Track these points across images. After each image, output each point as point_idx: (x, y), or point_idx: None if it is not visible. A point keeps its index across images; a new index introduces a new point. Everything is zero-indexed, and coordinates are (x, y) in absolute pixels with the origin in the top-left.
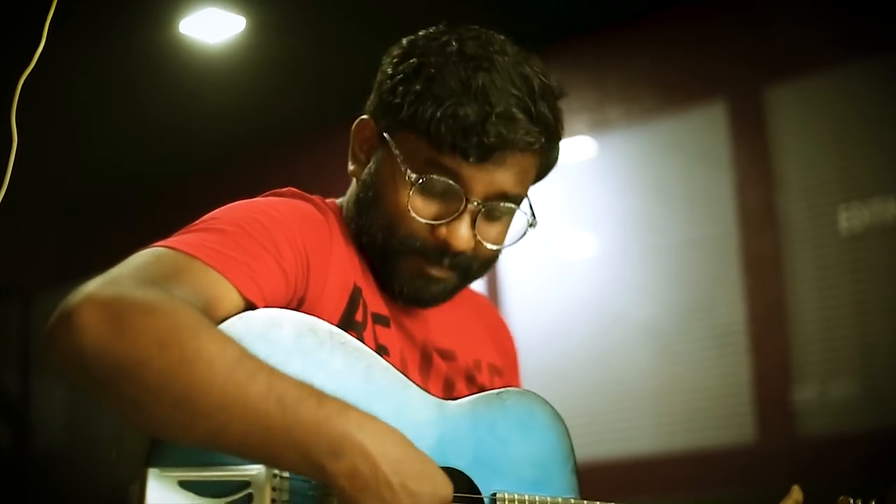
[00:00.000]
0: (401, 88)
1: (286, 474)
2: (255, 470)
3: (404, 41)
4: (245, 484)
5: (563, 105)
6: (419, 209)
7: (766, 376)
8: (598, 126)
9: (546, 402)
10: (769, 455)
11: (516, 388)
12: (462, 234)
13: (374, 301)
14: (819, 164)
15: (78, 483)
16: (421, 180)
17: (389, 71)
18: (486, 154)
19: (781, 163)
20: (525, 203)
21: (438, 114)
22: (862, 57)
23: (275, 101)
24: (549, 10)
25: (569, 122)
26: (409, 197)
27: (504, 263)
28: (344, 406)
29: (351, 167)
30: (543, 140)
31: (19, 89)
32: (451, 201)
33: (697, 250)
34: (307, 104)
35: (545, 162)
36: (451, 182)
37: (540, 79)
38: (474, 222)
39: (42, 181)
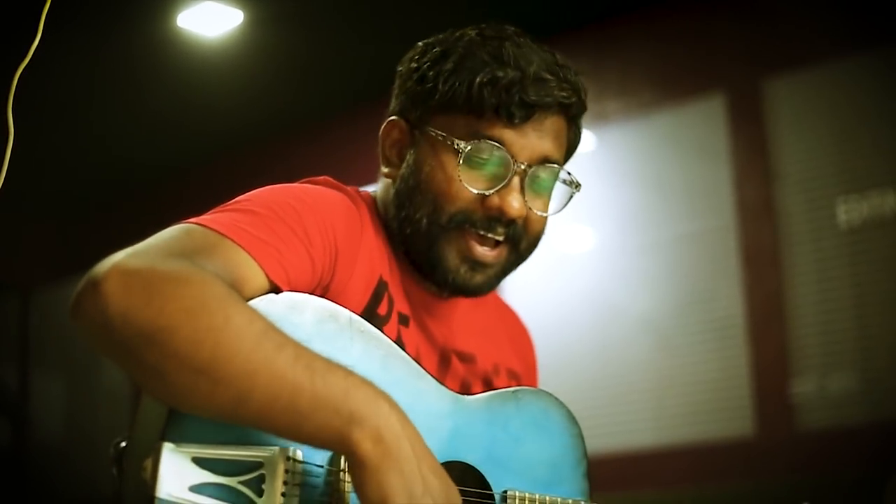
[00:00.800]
0: (431, 73)
1: (300, 457)
2: (269, 451)
3: (420, 43)
4: (258, 464)
5: None
6: (470, 181)
7: (764, 369)
8: (596, 119)
9: (562, 404)
10: (768, 448)
11: (533, 388)
12: (514, 199)
13: (398, 299)
14: (817, 157)
15: (76, 478)
16: (470, 147)
17: (413, 65)
18: (529, 114)
19: (780, 156)
20: (564, 171)
21: (477, 80)
22: (860, 50)
23: (272, 95)
24: (548, 3)
25: None
26: (458, 170)
27: None
28: (368, 382)
29: (385, 170)
30: (576, 100)
31: (16, 82)
32: (498, 170)
33: (696, 243)
34: (305, 97)
35: (575, 131)
36: (498, 146)
37: (557, 55)
38: (523, 190)
39: (40, 175)
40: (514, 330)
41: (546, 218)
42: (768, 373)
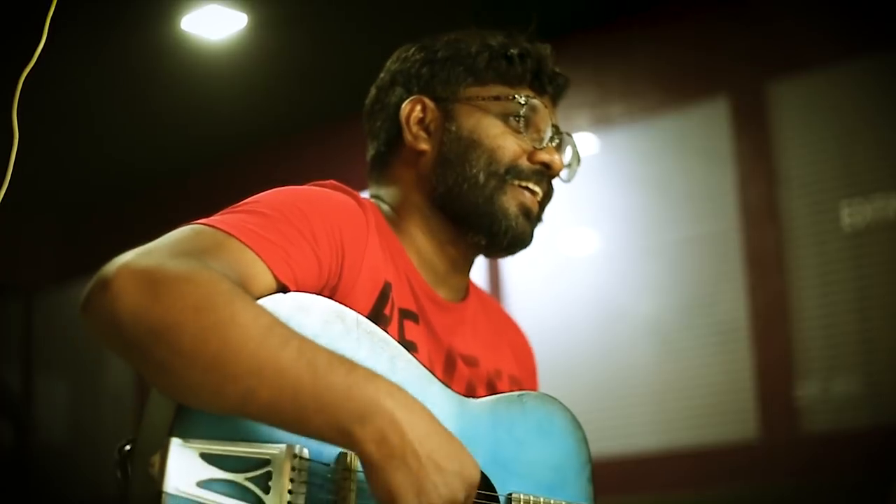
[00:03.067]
0: (455, 51)
1: (306, 455)
2: (277, 449)
3: (404, 47)
4: (265, 462)
5: (564, 101)
6: (521, 138)
7: (768, 372)
8: (599, 122)
9: (566, 409)
10: (771, 451)
11: (538, 393)
12: (556, 153)
13: (405, 297)
14: (821, 160)
15: (79, 480)
16: (525, 103)
17: (427, 51)
18: (555, 88)
19: (783, 159)
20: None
21: (510, 53)
22: (864, 53)
23: (277, 98)
24: (551, 6)
25: (570, 118)
26: (509, 126)
27: (506, 260)
28: (374, 375)
29: (421, 146)
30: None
31: (20, 86)
32: (541, 129)
33: (699, 247)
34: (308, 101)
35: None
36: (543, 104)
37: None
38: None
39: (44, 178)
40: (515, 339)
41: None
42: (772, 376)
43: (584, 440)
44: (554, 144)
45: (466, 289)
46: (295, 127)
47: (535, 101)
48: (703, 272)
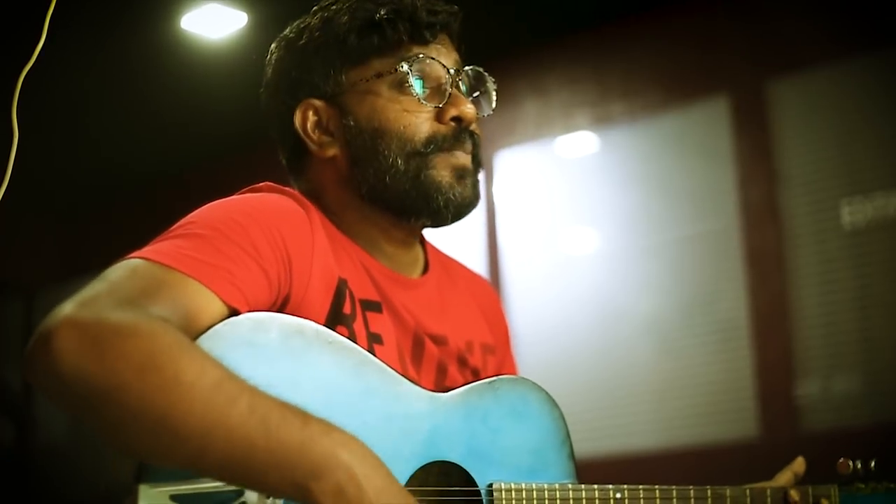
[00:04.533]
0: (325, 41)
1: None
2: None
3: (275, 43)
4: (238, 493)
5: (565, 100)
6: (420, 105)
7: (768, 371)
8: (600, 121)
9: (540, 388)
10: (772, 450)
11: (509, 376)
12: (464, 102)
13: (364, 288)
14: (822, 158)
15: (80, 479)
16: (409, 65)
17: (295, 50)
18: (434, 32)
19: (784, 158)
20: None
21: (379, 18)
22: (864, 52)
23: None
24: (551, 5)
25: (571, 117)
26: (404, 99)
27: (506, 258)
28: (328, 426)
29: (328, 152)
30: (457, 16)
31: (20, 85)
32: (438, 83)
33: (699, 245)
34: None
35: (461, 51)
36: (430, 57)
37: None
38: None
39: (43, 177)
40: (483, 300)
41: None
42: (772, 375)
43: (561, 418)
44: (462, 90)
45: (425, 260)
46: None
47: (420, 59)
48: (703, 271)
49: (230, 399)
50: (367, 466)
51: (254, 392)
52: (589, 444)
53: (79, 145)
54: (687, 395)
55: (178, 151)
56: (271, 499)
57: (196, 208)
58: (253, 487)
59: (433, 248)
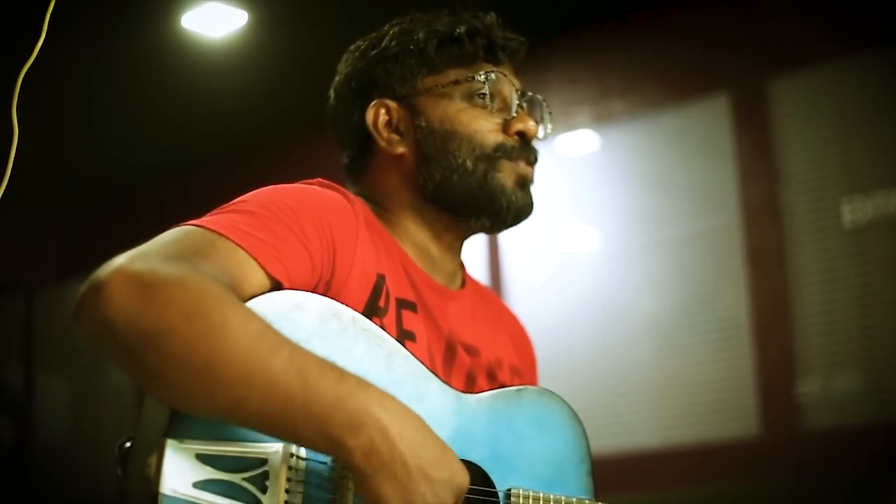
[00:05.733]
0: (404, 46)
1: (303, 454)
2: (273, 448)
3: (354, 45)
4: (262, 461)
5: (565, 98)
6: (492, 114)
7: (769, 369)
8: (600, 119)
9: (565, 403)
10: (773, 448)
11: (536, 387)
12: (529, 119)
13: (402, 287)
14: (822, 156)
15: (80, 478)
16: (486, 79)
17: (375, 50)
18: (508, 54)
19: (784, 156)
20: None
21: (458, 33)
22: (865, 50)
23: (277, 95)
24: (551, 2)
25: (571, 115)
26: (477, 107)
27: (507, 257)
28: (365, 383)
29: (397, 150)
30: (524, 46)
31: (20, 83)
32: (507, 99)
33: (700, 243)
34: (309, 98)
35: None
36: (502, 72)
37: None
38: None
39: (44, 175)
40: (514, 329)
41: None
42: (773, 373)
43: (584, 434)
44: (525, 109)
45: (463, 276)
46: (296, 124)
47: (494, 74)
48: (703, 269)
49: (272, 347)
50: (402, 423)
51: (294, 345)
52: (590, 442)
53: (79, 144)
54: (688, 393)
55: (178, 150)
56: (296, 457)
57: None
58: (287, 437)
59: (471, 275)
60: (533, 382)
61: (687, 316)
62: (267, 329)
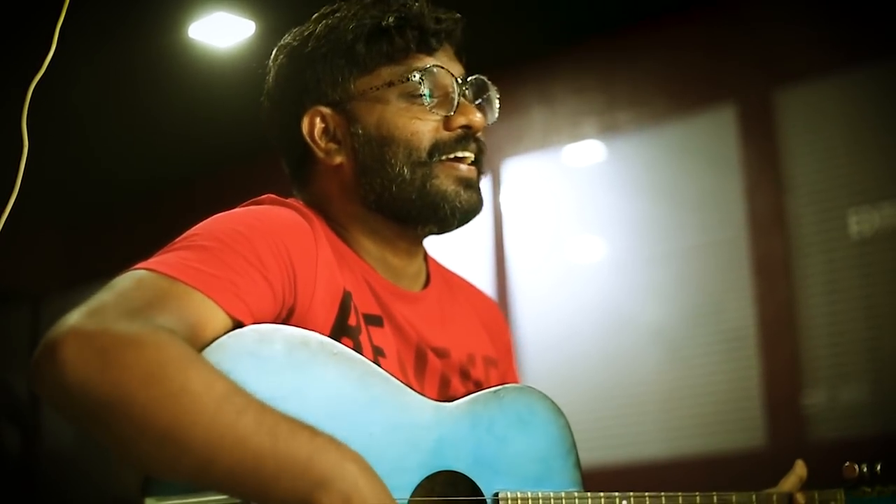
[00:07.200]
0: (332, 49)
1: None
2: None
3: (277, 48)
4: None
5: (572, 109)
6: (428, 113)
7: (775, 380)
8: (607, 130)
9: (545, 397)
10: (779, 459)
11: (514, 385)
12: (472, 111)
13: (366, 302)
14: (829, 167)
15: (86, 487)
16: (420, 76)
17: (301, 58)
18: (440, 41)
19: (791, 166)
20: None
21: (385, 25)
22: (871, 61)
23: None
24: (559, 13)
25: (578, 125)
26: (412, 108)
27: (513, 267)
28: (334, 441)
29: (335, 160)
30: (461, 26)
31: (30, 95)
32: (446, 93)
33: (707, 254)
34: None
35: (462, 60)
36: (438, 66)
37: None
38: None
39: (50, 185)
40: (486, 315)
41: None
42: (779, 384)
43: (567, 426)
44: (468, 98)
45: (427, 273)
46: None
47: (430, 68)
48: (710, 280)
49: (238, 410)
50: (371, 481)
51: (261, 406)
52: (596, 453)
53: (86, 154)
54: (694, 403)
55: (185, 160)
56: None
57: (202, 217)
58: (259, 499)
59: (435, 261)
60: (509, 368)
61: (693, 327)
62: (231, 390)
